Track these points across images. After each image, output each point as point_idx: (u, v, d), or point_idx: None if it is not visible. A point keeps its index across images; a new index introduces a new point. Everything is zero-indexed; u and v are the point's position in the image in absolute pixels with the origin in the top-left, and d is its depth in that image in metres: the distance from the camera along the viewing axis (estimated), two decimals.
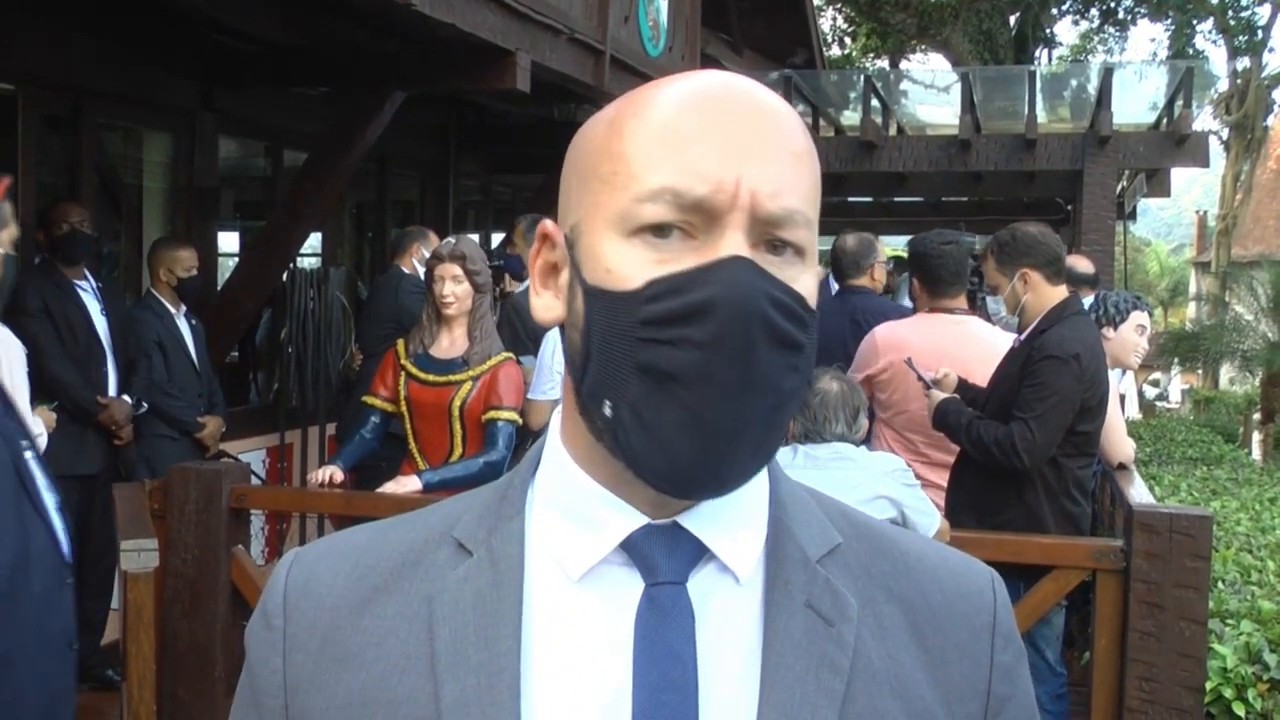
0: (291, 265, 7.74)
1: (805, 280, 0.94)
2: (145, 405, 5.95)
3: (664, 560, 0.97)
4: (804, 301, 0.93)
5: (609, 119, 0.97)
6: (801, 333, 0.93)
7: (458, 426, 4.79)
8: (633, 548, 0.97)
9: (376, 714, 0.97)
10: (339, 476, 4.73)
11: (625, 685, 0.94)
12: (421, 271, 6.45)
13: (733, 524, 0.99)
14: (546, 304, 1.00)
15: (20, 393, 4.61)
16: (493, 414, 4.75)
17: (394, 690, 0.97)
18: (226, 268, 8.08)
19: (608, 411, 0.92)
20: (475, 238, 5.63)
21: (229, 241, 8.75)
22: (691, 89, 0.95)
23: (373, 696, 0.97)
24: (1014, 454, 4.40)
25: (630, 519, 0.97)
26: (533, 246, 1.02)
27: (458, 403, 4.76)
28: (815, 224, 0.96)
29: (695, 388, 0.89)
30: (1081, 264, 7.11)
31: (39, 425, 4.79)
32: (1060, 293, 4.65)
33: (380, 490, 4.57)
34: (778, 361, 0.91)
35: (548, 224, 1.01)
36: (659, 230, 0.91)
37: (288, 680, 1.01)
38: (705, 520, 0.98)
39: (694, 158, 0.91)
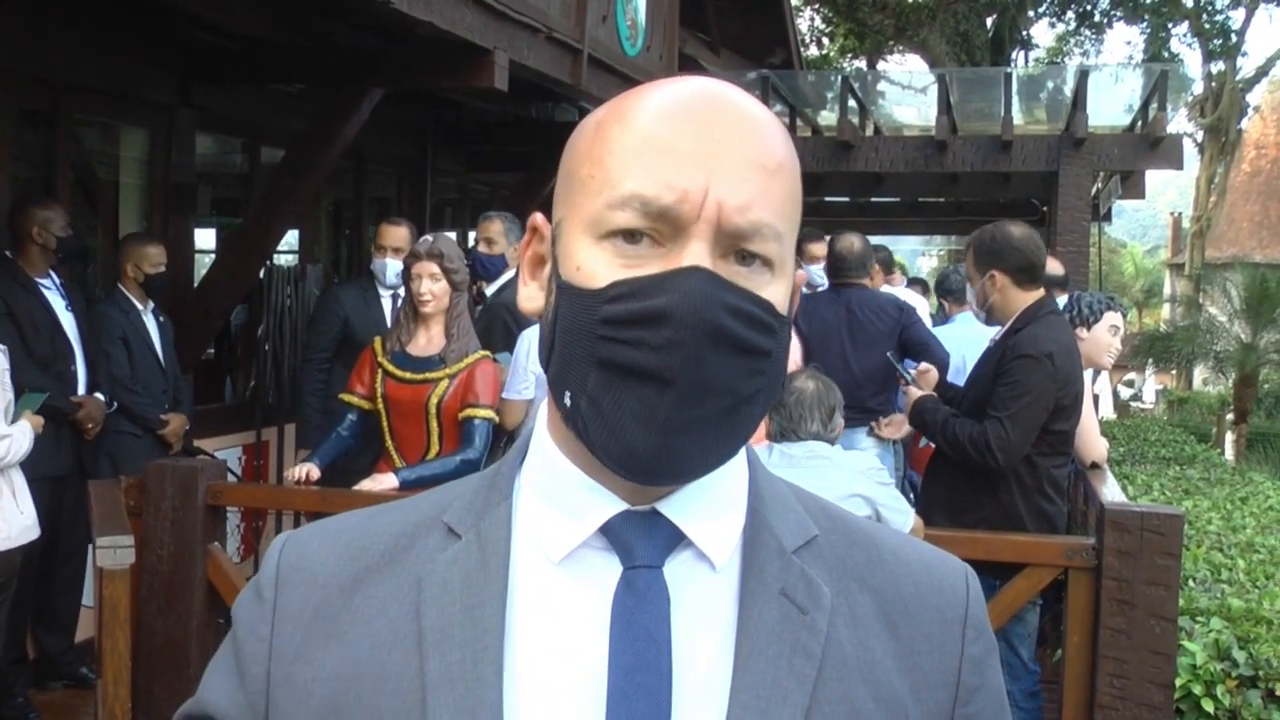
0: (268, 262, 7.72)
1: (774, 289, 0.97)
2: (115, 404, 5.92)
3: (641, 545, 1.00)
4: (771, 308, 0.96)
5: (595, 123, 1.01)
6: (766, 338, 0.96)
7: (434, 424, 4.80)
8: (611, 532, 1.00)
9: (364, 687, 0.99)
10: (315, 474, 4.74)
11: (601, 665, 0.97)
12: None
13: (710, 512, 1.02)
14: (530, 294, 1.06)
15: None
16: (469, 412, 4.76)
17: (382, 665, 1.00)
18: (203, 264, 8.06)
19: (567, 401, 0.96)
20: (453, 236, 5.61)
21: (206, 238, 8.72)
22: (675, 98, 0.98)
23: (360, 670, 1.00)
24: (988, 452, 4.44)
25: (610, 505, 1.00)
26: (523, 238, 1.07)
27: (434, 400, 4.77)
28: (789, 235, 0.99)
29: (649, 386, 0.92)
30: (1052, 265, 7.15)
31: (19, 428, 4.81)
32: (1031, 296, 4.67)
33: (357, 488, 4.58)
34: (735, 365, 0.94)
35: (538, 218, 1.05)
36: (629, 235, 0.95)
37: (274, 648, 1.04)
38: (683, 508, 1.01)
39: (664, 167, 0.94)
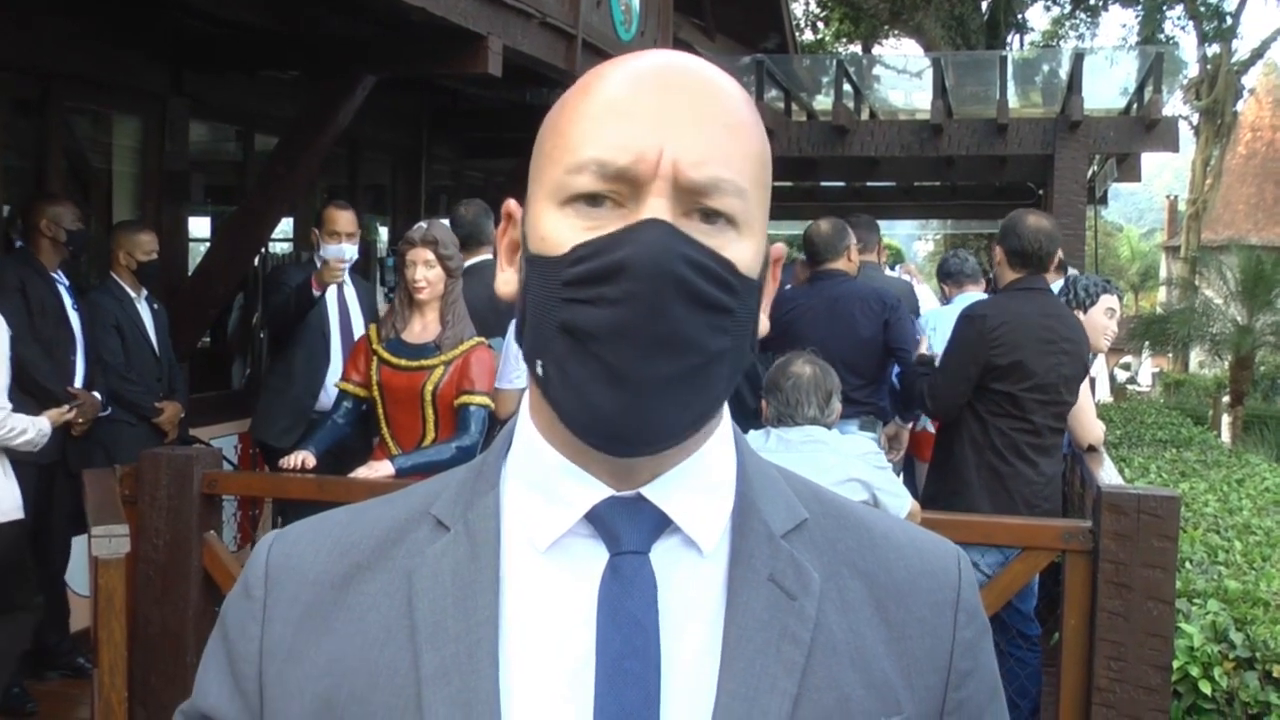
0: (263, 250, 7.70)
1: (739, 248, 0.97)
2: (110, 409, 5.91)
3: (627, 531, 0.99)
4: (731, 266, 0.95)
5: (561, 101, 1.02)
6: (727, 295, 0.95)
7: (430, 411, 4.79)
8: (597, 519, 0.99)
9: (357, 682, 0.99)
10: (311, 461, 4.72)
11: (590, 653, 0.96)
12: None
13: (696, 497, 1.01)
14: (507, 279, 1.05)
15: None
16: (465, 398, 4.74)
17: (374, 661, 0.99)
18: (198, 253, 8.05)
19: (539, 370, 0.96)
20: (447, 222, 5.57)
21: (200, 226, 8.70)
22: (634, 67, 0.99)
23: (352, 666, 0.99)
24: (921, 398, 5.05)
25: (595, 491, 0.99)
26: (499, 226, 1.07)
27: (430, 387, 4.76)
28: (753, 194, 0.98)
29: (611, 343, 0.92)
30: None
31: (35, 422, 4.89)
32: (1018, 274, 5.05)
33: (353, 475, 4.57)
34: (697, 321, 0.93)
35: (511, 204, 1.05)
36: (589, 200, 0.95)
37: (264, 647, 1.03)
38: (668, 492, 1.00)
39: (619, 130, 0.95)
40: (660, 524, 1.00)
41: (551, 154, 0.98)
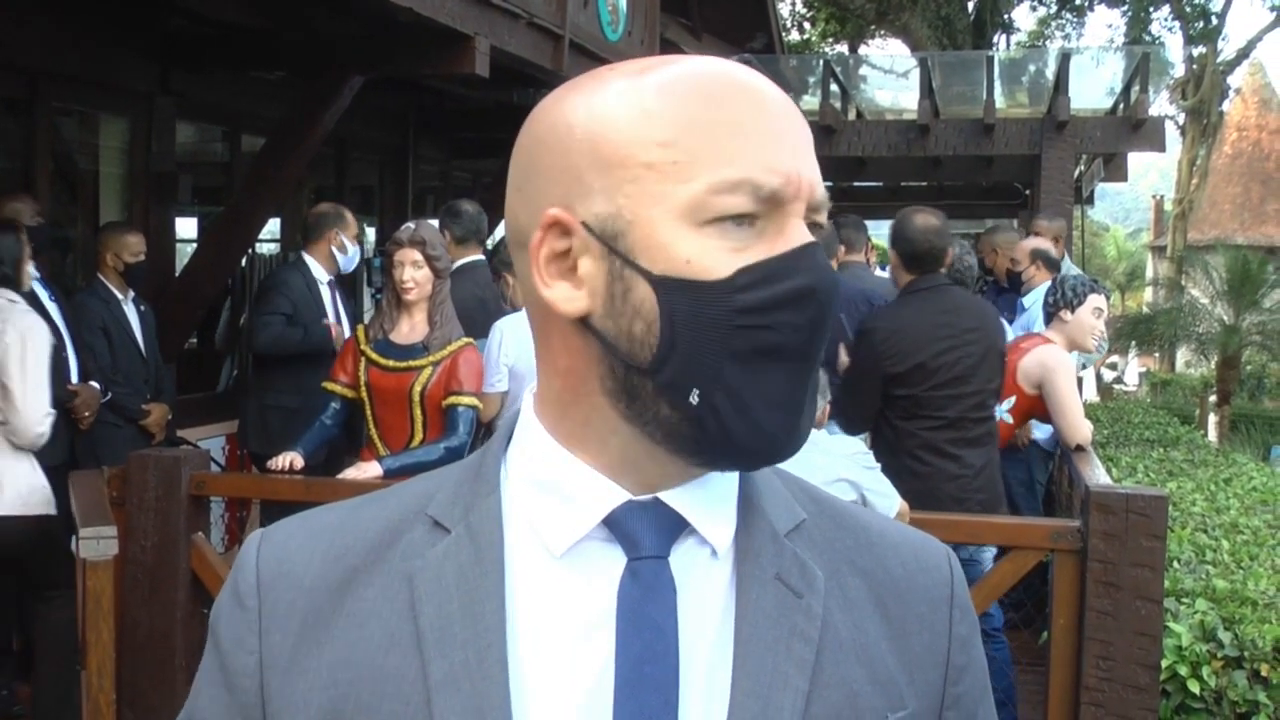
0: (250, 251, 7.68)
1: None
2: (110, 394, 5.89)
3: (646, 535, 0.98)
4: None
5: (640, 105, 0.94)
6: None
7: (418, 412, 4.78)
8: (615, 523, 0.98)
9: (362, 691, 0.97)
10: (299, 462, 4.72)
11: (608, 657, 0.96)
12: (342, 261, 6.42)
13: (710, 499, 1.01)
14: (566, 296, 0.96)
15: (31, 378, 4.72)
16: (453, 399, 4.74)
17: (379, 668, 0.97)
18: (185, 254, 8.03)
19: (694, 399, 0.93)
20: (435, 223, 5.57)
21: (187, 227, 8.68)
22: (724, 77, 0.96)
23: (357, 676, 0.97)
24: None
25: (612, 495, 0.99)
26: (534, 235, 0.97)
27: (418, 388, 4.76)
28: None
29: (792, 366, 0.94)
30: (1045, 244, 7.19)
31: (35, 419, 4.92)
32: (912, 276, 5.05)
33: (340, 476, 4.57)
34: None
35: (557, 212, 0.96)
36: (737, 220, 0.93)
37: (264, 660, 1.01)
38: (685, 495, 1.00)
39: (765, 151, 0.94)
40: (677, 527, 0.99)
41: (669, 169, 0.92)
